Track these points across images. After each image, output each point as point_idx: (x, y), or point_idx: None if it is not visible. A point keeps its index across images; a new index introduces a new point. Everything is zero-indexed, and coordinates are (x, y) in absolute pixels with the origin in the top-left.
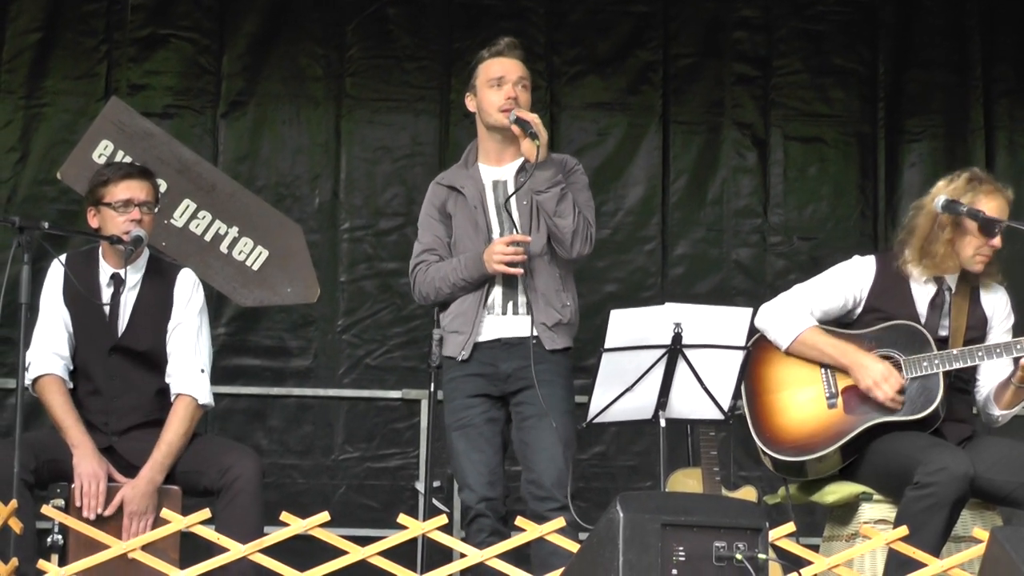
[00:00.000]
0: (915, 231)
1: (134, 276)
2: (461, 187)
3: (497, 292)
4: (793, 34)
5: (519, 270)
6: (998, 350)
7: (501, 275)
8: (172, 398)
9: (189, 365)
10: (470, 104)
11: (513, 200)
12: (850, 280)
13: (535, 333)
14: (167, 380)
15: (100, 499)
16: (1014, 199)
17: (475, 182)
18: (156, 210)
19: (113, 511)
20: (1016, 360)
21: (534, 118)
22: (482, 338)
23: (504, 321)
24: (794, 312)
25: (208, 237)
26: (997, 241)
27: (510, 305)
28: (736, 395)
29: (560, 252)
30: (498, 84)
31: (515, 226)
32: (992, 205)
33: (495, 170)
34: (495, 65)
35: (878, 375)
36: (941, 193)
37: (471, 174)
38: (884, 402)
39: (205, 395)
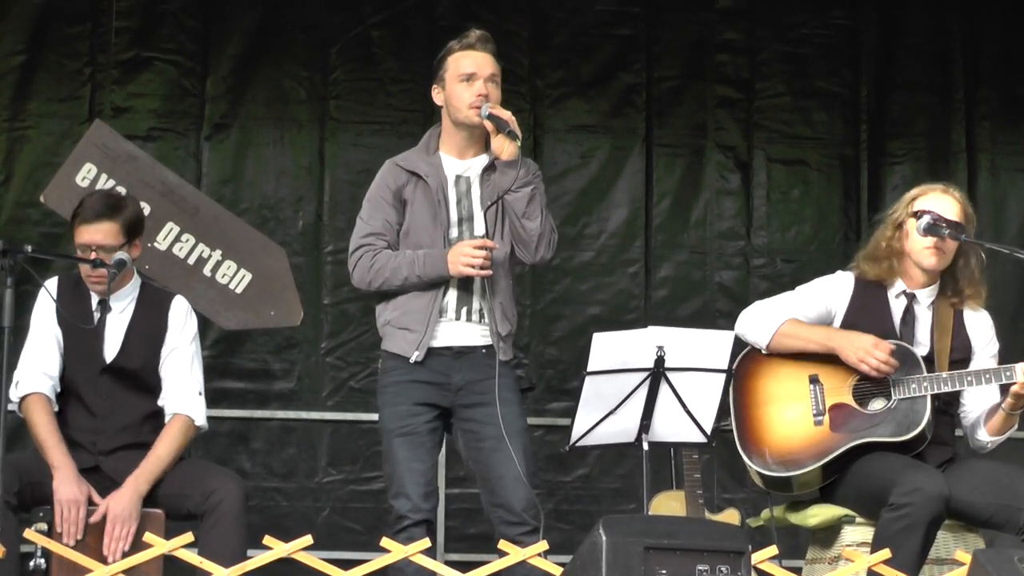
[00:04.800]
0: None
1: (125, 300)
2: (425, 175)
3: (452, 296)
4: (776, 57)
5: (487, 272)
6: (987, 376)
7: (457, 279)
8: (167, 418)
9: (186, 387)
10: (437, 97)
11: (477, 200)
12: (829, 292)
13: (488, 343)
14: (161, 403)
15: (80, 525)
16: (994, 220)
17: (438, 171)
18: (126, 245)
19: (99, 519)
20: (1004, 387)
21: (509, 116)
22: (436, 343)
23: (458, 328)
24: (771, 311)
25: (191, 260)
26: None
27: (464, 311)
28: (719, 418)
29: (523, 256)
30: (468, 80)
31: (477, 227)
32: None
33: (458, 163)
34: (465, 59)
35: (867, 345)
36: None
37: (433, 162)
38: (878, 368)
39: (201, 417)
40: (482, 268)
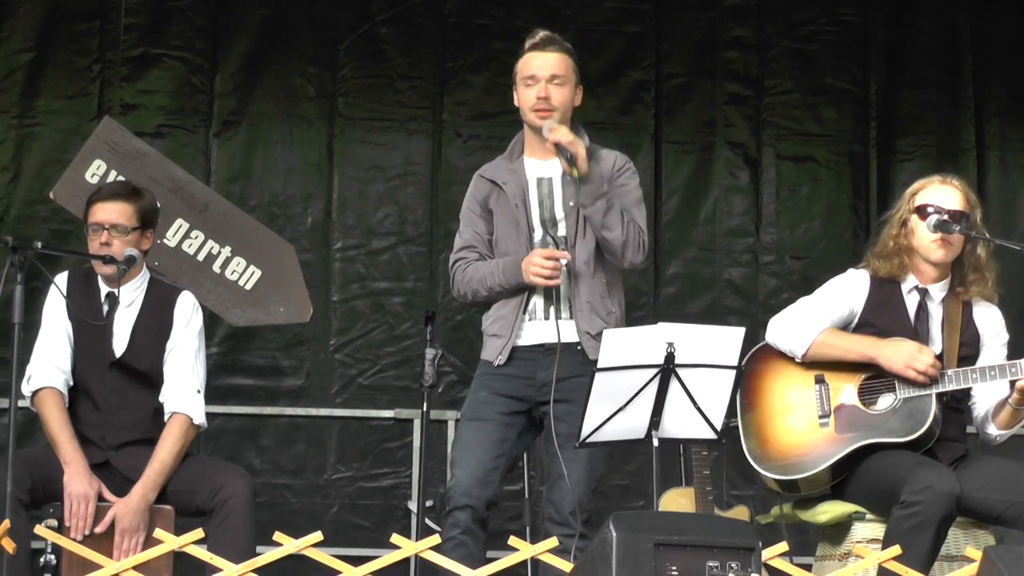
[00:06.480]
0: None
1: (133, 295)
2: (503, 183)
3: (538, 298)
4: (785, 54)
5: (556, 281)
6: (992, 372)
7: None
8: (166, 417)
9: (185, 385)
10: (516, 99)
11: (559, 201)
12: (848, 292)
13: (576, 340)
14: (162, 400)
15: (88, 520)
16: (1004, 217)
17: (518, 177)
18: (139, 232)
19: (105, 528)
20: (1012, 383)
21: (566, 140)
22: (522, 342)
23: (546, 326)
24: (805, 319)
25: (201, 257)
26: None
27: (552, 310)
28: (729, 415)
29: (613, 261)
30: (531, 82)
31: (554, 236)
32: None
33: (541, 164)
34: (529, 61)
35: (912, 351)
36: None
37: (515, 168)
38: (925, 372)
39: (199, 415)
40: (550, 279)
